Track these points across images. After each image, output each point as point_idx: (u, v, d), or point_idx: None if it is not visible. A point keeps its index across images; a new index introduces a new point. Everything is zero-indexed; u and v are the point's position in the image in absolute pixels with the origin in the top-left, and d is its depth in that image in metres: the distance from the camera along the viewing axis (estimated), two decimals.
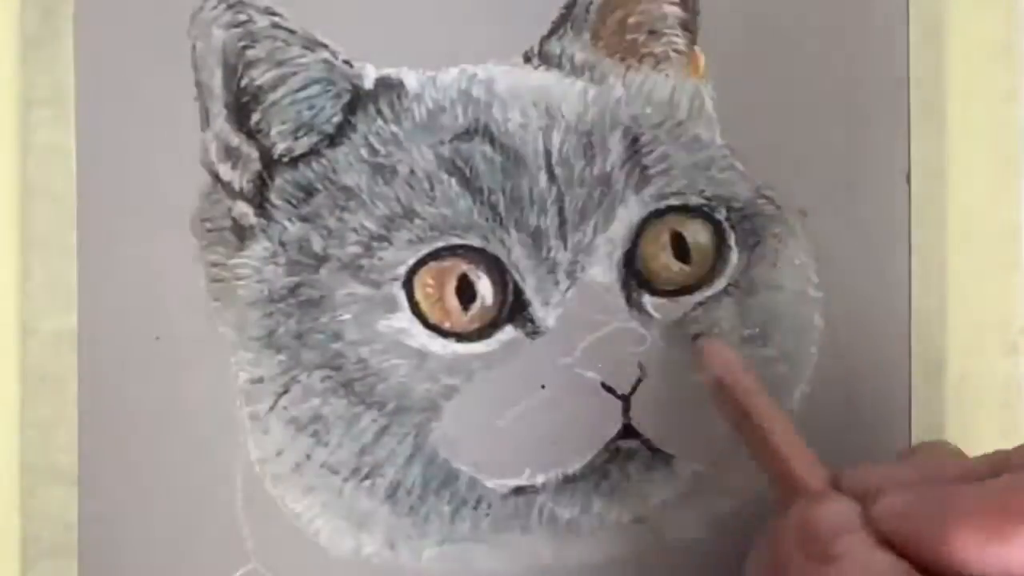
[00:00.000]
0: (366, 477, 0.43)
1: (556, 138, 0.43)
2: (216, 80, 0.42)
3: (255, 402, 0.43)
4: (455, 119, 0.43)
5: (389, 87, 0.43)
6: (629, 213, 0.43)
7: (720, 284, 0.43)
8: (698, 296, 0.43)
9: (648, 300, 0.43)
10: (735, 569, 0.44)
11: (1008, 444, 0.35)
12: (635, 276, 0.43)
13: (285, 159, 0.43)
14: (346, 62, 0.43)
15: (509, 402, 0.42)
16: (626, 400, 0.42)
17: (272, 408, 0.43)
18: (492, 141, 0.43)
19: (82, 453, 0.42)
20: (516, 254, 0.42)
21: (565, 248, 0.42)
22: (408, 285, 0.42)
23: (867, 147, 0.44)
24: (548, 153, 0.42)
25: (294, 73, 0.42)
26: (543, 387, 0.42)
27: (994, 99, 0.45)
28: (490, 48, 0.43)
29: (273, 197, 0.43)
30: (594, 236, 0.42)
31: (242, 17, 0.42)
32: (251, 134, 0.43)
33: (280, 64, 0.42)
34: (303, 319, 0.42)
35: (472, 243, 0.42)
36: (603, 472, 0.43)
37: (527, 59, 0.44)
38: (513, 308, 0.42)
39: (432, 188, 0.42)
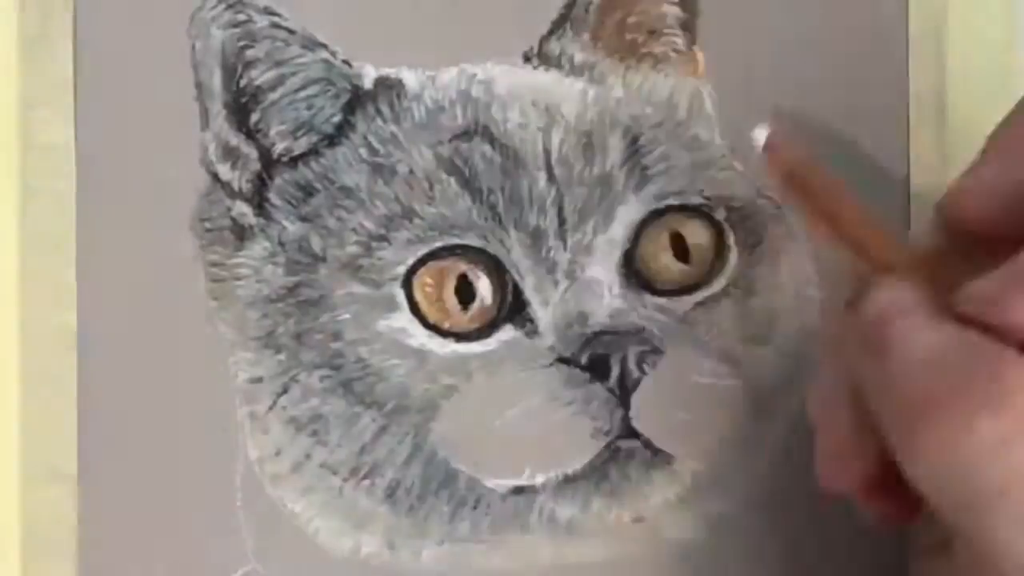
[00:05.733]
0: (365, 477, 0.43)
1: (556, 138, 0.43)
2: (215, 80, 0.42)
3: (254, 402, 0.43)
4: (454, 119, 0.43)
5: (388, 87, 0.43)
6: (629, 213, 0.43)
7: (720, 284, 0.43)
8: (698, 296, 0.43)
9: (648, 300, 0.43)
10: (735, 569, 0.44)
11: None
12: (635, 276, 0.43)
13: (284, 159, 0.43)
14: (345, 62, 0.43)
15: (509, 402, 0.42)
16: (626, 400, 0.42)
17: (271, 408, 0.43)
18: (491, 141, 0.43)
19: (82, 453, 0.42)
20: (515, 254, 0.42)
21: (564, 248, 0.42)
22: (407, 285, 0.42)
23: (867, 147, 0.44)
24: (548, 153, 0.43)
25: (293, 73, 0.42)
26: (542, 387, 0.42)
27: (994, 99, 0.45)
28: (490, 48, 0.43)
29: (272, 197, 0.43)
30: (594, 236, 0.42)
31: (241, 17, 0.42)
32: (250, 134, 0.43)
33: (279, 64, 0.42)
34: (302, 319, 0.42)
35: (471, 243, 0.42)
36: (603, 472, 0.43)
37: (527, 59, 0.44)
38: (512, 308, 0.42)
39: (431, 188, 0.42)
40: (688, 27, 0.44)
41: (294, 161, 0.43)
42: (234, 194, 0.43)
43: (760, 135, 0.36)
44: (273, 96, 0.42)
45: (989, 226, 0.34)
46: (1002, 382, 0.29)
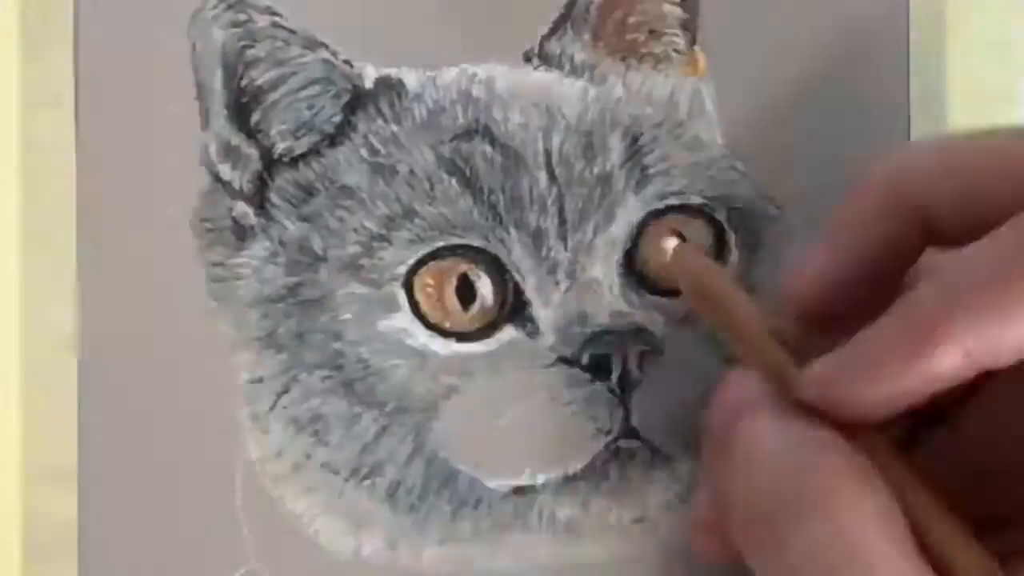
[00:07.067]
0: (366, 477, 0.43)
1: (556, 138, 0.43)
2: (216, 80, 0.42)
3: (255, 402, 0.43)
4: (455, 119, 0.43)
5: (389, 87, 0.43)
6: (629, 213, 0.43)
7: None
8: None
9: (649, 300, 0.43)
10: (734, 570, 0.44)
11: None
12: (635, 276, 0.43)
13: (285, 159, 0.43)
14: (346, 62, 0.43)
15: (509, 402, 0.42)
16: (626, 400, 0.42)
17: (272, 408, 0.43)
18: (492, 141, 0.43)
19: (82, 453, 0.42)
20: (516, 254, 0.42)
21: (565, 248, 0.42)
22: (408, 285, 0.42)
23: (867, 147, 0.44)
24: (548, 153, 0.43)
25: (294, 73, 0.42)
26: (543, 387, 0.42)
27: (994, 99, 0.45)
28: (490, 48, 0.43)
29: (273, 197, 0.43)
30: (594, 236, 0.42)
31: (242, 17, 0.42)
32: (251, 134, 0.43)
33: (280, 64, 0.42)
34: (303, 319, 0.42)
35: (472, 243, 0.42)
36: (603, 472, 0.43)
37: (527, 59, 0.44)
38: (513, 308, 0.42)
39: (432, 188, 0.42)
40: (688, 27, 0.44)
41: (295, 161, 0.43)
42: (235, 194, 0.43)
43: (669, 244, 0.40)
44: (274, 96, 0.42)
45: (827, 309, 0.34)
46: (814, 488, 0.29)
